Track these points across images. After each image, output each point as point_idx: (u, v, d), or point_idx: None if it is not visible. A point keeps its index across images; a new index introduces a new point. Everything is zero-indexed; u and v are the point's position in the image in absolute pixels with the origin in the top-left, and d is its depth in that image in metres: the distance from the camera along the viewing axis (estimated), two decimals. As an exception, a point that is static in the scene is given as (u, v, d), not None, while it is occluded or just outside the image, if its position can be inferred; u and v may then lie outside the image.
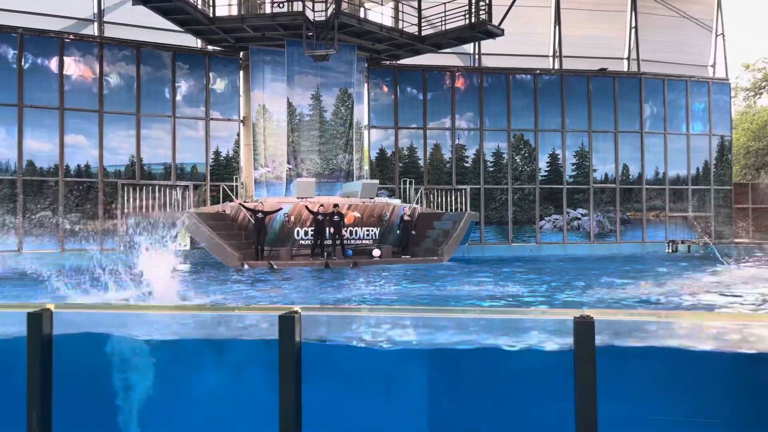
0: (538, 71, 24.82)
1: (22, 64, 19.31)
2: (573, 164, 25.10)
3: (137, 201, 20.49)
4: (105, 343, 3.42)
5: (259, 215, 17.10)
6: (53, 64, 19.77)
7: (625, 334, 2.94)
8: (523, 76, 24.75)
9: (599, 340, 2.51)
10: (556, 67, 25.20)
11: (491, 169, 24.50)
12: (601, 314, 2.60)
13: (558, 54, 25.21)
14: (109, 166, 20.44)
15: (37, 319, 3.01)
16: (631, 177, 25.61)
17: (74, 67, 20.07)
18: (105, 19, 20.76)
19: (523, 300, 9.29)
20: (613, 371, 2.86)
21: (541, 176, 24.82)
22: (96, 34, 20.59)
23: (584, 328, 2.59)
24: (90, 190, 20.21)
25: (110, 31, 20.77)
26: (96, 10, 20.64)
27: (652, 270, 14.92)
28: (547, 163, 24.92)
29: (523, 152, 24.74)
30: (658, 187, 25.90)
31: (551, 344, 2.89)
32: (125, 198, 20.41)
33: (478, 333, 3.13)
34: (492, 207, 24.38)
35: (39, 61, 19.61)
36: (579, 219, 25.07)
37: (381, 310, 2.99)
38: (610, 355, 2.84)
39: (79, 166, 20.07)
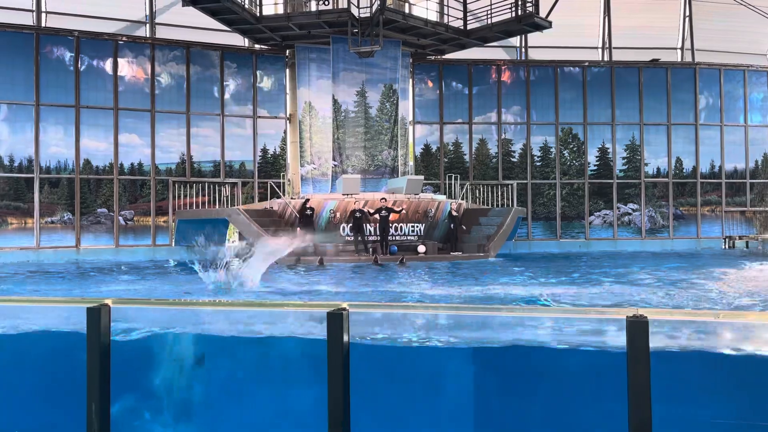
0: (586, 63, 24.27)
1: (79, 66, 20.00)
2: (623, 158, 24.48)
3: (188, 198, 20.99)
4: (159, 337, 3.51)
5: (308, 212, 17.30)
6: (108, 65, 20.41)
7: (681, 334, 2.85)
8: (572, 68, 24.25)
9: (657, 341, 2.44)
10: (606, 58, 24.59)
11: (538, 163, 24.12)
12: (656, 314, 2.52)
13: (608, 45, 24.59)
14: (161, 164, 21.00)
15: (96, 314, 3.12)
16: (684, 171, 24.82)
17: (127, 68, 20.68)
18: (156, 20, 21.30)
19: (582, 297, 9.10)
20: (668, 372, 2.78)
21: (591, 170, 24.29)
22: (148, 35, 21.15)
23: (638, 327, 2.52)
24: (143, 188, 20.81)
25: (161, 33, 21.30)
26: (148, 12, 21.20)
27: (710, 266, 14.42)
28: (597, 157, 24.37)
29: (571, 146, 24.27)
30: (713, 180, 25.02)
31: (604, 343, 2.83)
32: (176, 195, 20.93)
33: (524, 331, 3.09)
34: (539, 202, 24.01)
35: (94, 62, 20.27)
36: (630, 214, 24.44)
37: (429, 308, 2.98)
38: (664, 356, 2.76)
39: (132, 164, 20.69)
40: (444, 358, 3.28)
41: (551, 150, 24.14)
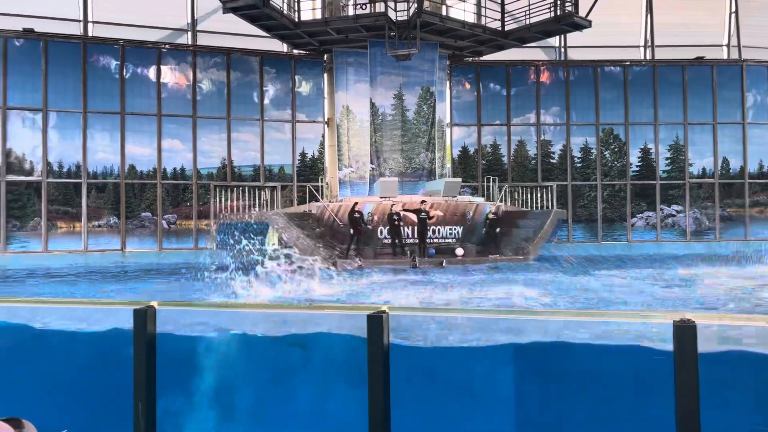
0: (628, 62, 23.80)
1: (124, 74, 20.56)
2: (667, 158, 23.91)
3: (228, 202, 21.35)
4: (202, 338, 3.58)
5: (356, 215, 17.38)
6: (151, 73, 20.92)
7: (730, 338, 2.77)
8: (612, 68, 23.81)
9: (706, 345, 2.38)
10: (648, 57, 24.07)
11: (579, 165, 23.74)
12: (705, 318, 2.46)
13: (650, 44, 24.07)
14: (203, 169, 21.41)
15: (142, 316, 3.20)
16: (731, 171, 24.09)
17: (170, 75, 21.16)
18: (198, 28, 21.74)
19: (623, 301, 8.92)
20: (717, 376, 2.70)
21: (633, 172, 23.79)
22: (190, 42, 21.61)
23: (685, 332, 2.46)
24: (185, 192, 21.24)
25: (202, 40, 21.74)
26: (190, 20, 21.66)
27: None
28: (639, 157, 23.86)
29: (612, 147, 23.82)
30: (762, 181, 24.21)
31: (650, 346, 2.77)
32: (217, 199, 21.30)
33: (564, 334, 3.04)
34: (580, 204, 23.63)
35: (139, 70, 20.81)
36: (674, 216, 23.85)
37: (468, 311, 2.97)
38: (712, 359, 2.68)
39: (175, 169, 21.15)
40: (484, 359, 3.26)
41: (592, 151, 23.73)
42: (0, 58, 19.27)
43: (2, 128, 19.32)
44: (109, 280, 14.27)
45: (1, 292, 11.95)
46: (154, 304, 3.20)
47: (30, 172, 19.65)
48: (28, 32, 19.48)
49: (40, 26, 19.66)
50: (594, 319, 2.75)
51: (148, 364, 3.19)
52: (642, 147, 23.84)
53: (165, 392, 3.42)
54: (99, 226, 20.23)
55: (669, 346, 2.49)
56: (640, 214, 23.75)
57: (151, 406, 3.24)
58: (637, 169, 23.83)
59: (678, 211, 23.82)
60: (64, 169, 19.99)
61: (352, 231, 17.36)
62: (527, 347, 2.99)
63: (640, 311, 7.28)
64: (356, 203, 17.83)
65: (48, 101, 19.70)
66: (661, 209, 23.76)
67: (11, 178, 19.40)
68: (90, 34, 20.53)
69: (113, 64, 20.49)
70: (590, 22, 20.45)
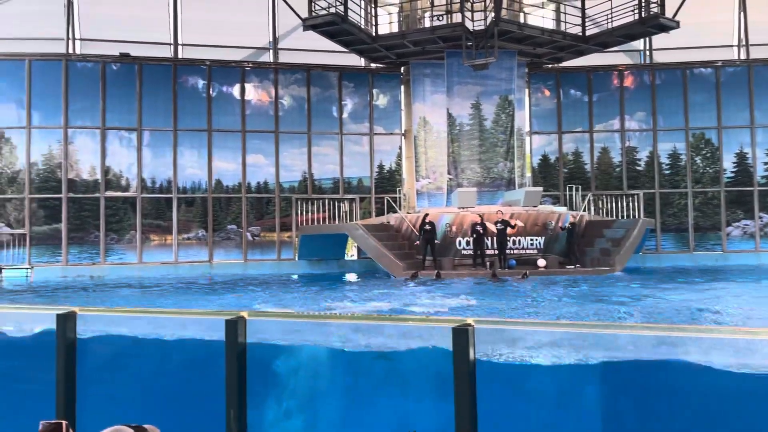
0: (719, 63, 22.59)
1: (210, 92, 21.52)
2: (765, 163, 22.45)
3: (309, 214, 21.84)
4: (289, 349, 3.66)
5: (427, 227, 17.35)
6: (236, 90, 21.79)
7: None
8: (702, 69, 22.67)
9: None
10: (742, 57, 22.75)
11: (667, 171, 22.70)
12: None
13: (744, 43, 22.75)
14: (285, 182, 22.02)
15: (233, 326, 3.31)
16: (839, 175, 22.32)
17: (253, 93, 21.97)
18: (279, 46, 22.47)
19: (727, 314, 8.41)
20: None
21: (727, 178, 22.50)
22: (271, 60, 22.36)
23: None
24: (268, 205, 21.92)
25: (283, 57, 22.44)
26: (271, 39, 22.42)
27: None
28: (734, 163, 22.54)
29: (704, 152, 22.62)
30: None
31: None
32: (299, 211, 21.84)
33: (662, 349, 2.90)
34: (669, 213, 22.54)
35: (224, 89, 21.73)
36: (774, 224, 22.33)
37: (557, 325, 2.89)
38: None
39: (258, 183, 21.87)
40: (572, 376, 3.15)
41: (681, 157, 22.64)
42: (99, 82, 20.64)
43: (102, 147, 20.65)
44: (217, 290, 14.88)
45: (103, 302, 12.71)
46: (245, 314, 3.31)
47: (126, 188, 20.86)
48: (124, 57, 20.77)
49: (134, 51, 20.92)
50: (696, 335, 2.61)
51: (239, 372, 3.29)
52: (737, 151, 22.51)
53: (254, 400, 3.52)
54: (188, 238, 21.19)
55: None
56: (736, 223, 22.40)
57: (242, 413, 3.34)
58: (732, 174, 22.51)
59: (779, 219, 22.30)
60: (157, 185, 21.10)
61: (422, 242, 17.27)
62: (621, 365, 2.86)
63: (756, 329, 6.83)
64: (426, 215, 17.72)
65: (142, 121, 20.90)
66: (760, 217, 22.31)
67: (110, 194, 20.67)
68: (179, 56, 21.64)
69: (200, 83, 21.50)
70: (678, 22, 19.60)
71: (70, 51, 20.82)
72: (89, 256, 20.34)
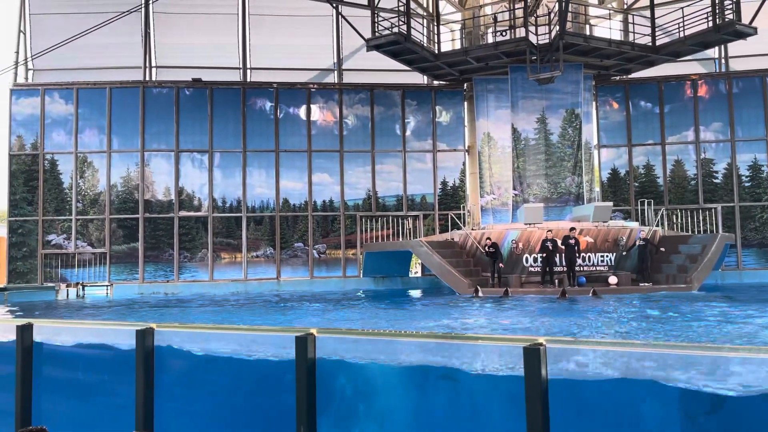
0: (802, 69, 21.40)
1: (278, 114, 22.11)
2: None
3: (373, 231, 21.98)
4: (358, 366, 3.67)
5: (491, 249, 17.17)
6: (302, 112, 22.31)
7: None
8: (783, 76, 21.53)
9: None
10: (827, 61, 21.48)
11: (747, 184, 21.60)
12: None
13: (829, 46, 21.48)
14: (349, 200, 22.28)
15: (303, 343, 3.36)
16: None
17: (318, 113, 22.43)
18: (343, 66, 22.89)
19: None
20: None
21: (814, 189, 21.18)
22: (336, 81, 22.79)
23: None
24: (333, 223, 22.21)
25: (347, 77, 22.83)
26: (336, 60, 22.87)
27: None
28: (821, 173, 21.22)
29: (787, 163, 21.40)
30: None
31: None
32: (363, 229, 22.02)
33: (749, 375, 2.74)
34: (751, 227, 21.40)
35: (290, 110, 22.29)
36: None
37: (632, 345, 2.79)
38: None
39: (324, 201, 22.22)
40: (644, 397, 3.03)
41: (762, 168, 21.51)
42: (173, 106, 21.59)
43: (176, 169, 21.53)
44: (279, 307, 15.17)
45: (177, 318, 13.16)
46: (314, 331, 3.35)
47: (198, 208, 21.63)
48: (196, 81, 21.66)
49: (206, 76, 21.80)
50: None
51: (308, 388, 3.33)
52: (824, 161, 21.19)
53: (323, 416, 3.55)
54: (257, 256, 21.71)
55: None
56: (825, 237, 21.02)
57: (312, 429, 3.37)
58: (820, 186, 21.18)
59: None
60: (227, 204, 21.77)
61: (489, 261, 17.14)
62: (703, 388, 2.73)
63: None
64: (488, 238, 17.48)
65: (213, 143, 21.68)
66: None
67: (183, 213, 21.48)
68: (248, 79, 22.38)
69: (268, 105, 22.13)
70: (755, 29, 18.72)
71: (147, 78, 21.90)
72: (164, 274, 21.15)
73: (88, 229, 21.19)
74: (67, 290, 19.97)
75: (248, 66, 22.50)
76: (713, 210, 21.31)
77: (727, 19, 18.75)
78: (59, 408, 4.38)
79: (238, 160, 21.81)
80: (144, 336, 3.83)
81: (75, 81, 21.49)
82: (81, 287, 20.25)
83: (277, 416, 3.75)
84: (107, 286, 20.58)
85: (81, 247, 21.00)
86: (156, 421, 3.92)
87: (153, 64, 22.10)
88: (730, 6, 18.85)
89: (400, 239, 21.45)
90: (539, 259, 17.45)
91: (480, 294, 15.89)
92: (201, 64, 21.89)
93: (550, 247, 16.88)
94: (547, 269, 17.06)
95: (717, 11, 18.86)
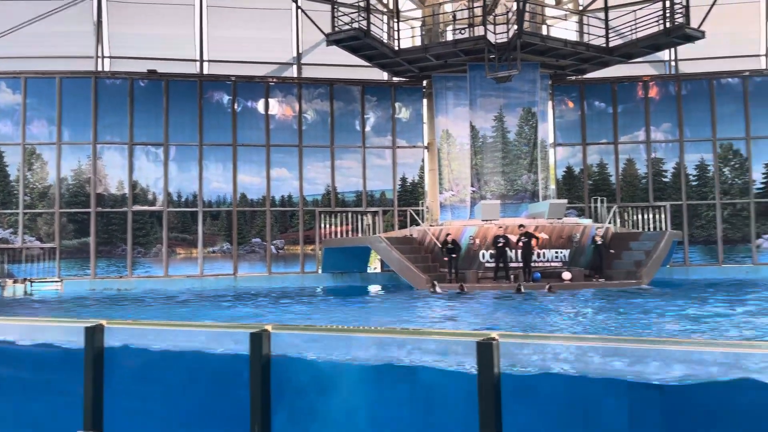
0: (747, 73, 22.25)
1: (235, 107, 21.80)
2: (797, 174, 21.98)
3: (332, 227, 21.92)
4: (313, 363, 3.66)
5: (449, 246, 17.33)
6: (260, 105, 22.05)
7: None
8: (729, 79, 22.34)
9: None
10: (771, 66, 22.37)
11: (694, 183, 22.34)
12: None
13: (772, 51, 22.38)
14: (308, 196, 22.16)
15: (258, 339, 3.33)
16: None
17: (277, 108, 22.20)
18: (302, 61, 22.71)
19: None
20: None
21: (757, 189, 22.06)
22: (295, 75, 22.60)
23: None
24: (292, 218, 22.05)
25: (307, 72, 22.66)
26: (295, 54, 22.67)
27: None
28: (763, 174, 22.10)
29: (732, 163, 22.24)
30: None
31: None
32: (322, 224, 21.93)
33: (695, 367, 2.84)
34: (697, 225, 22.16)
35: (248, 104, 22.00)
36: (807, 236, 21.81)
37: (584, 339, 2.86)
38: None
39: (282, 196, 22.04)
40: (593, 390, 3.10)
41: (708, 168, 22.28)
42: (127, 98, 21.05)
43: (129, 162, 21.01)
44: (235, 303, 14.98)
45: (130, 314, 12.87)
46: (269, 327, 3.33)
47: (153, 203, 21.17)
48: (151, 73, 21.17)
49: (161, 67, 21.32)
50: (734, 350, 2.54)
51: (263, 386, 3.31)
52: (767, 162, 22.08)
53: (277, 414, 3.52)
54: (213, 252, 21.39)
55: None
56: (767, 235, 21.92)
57: (266, 428, 3.34)
58: (762, 185, 22.08)
59: (811, 231, 21.77)
60: (183, 199, 21.38)
61: (447, 258, 17.29)
62: (645, 380, 2.81)
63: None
64: (448, 234, 17.64)
65: (169, 136, 21.23)
66: (792, 229, 21.80)
67: (137, 208, 20.99)
68: (205, 72, 21.98)
69: (225, 99, 21.80)
70: (704, 33, 19.38)
71: (99, 68, 21.29)
72: (116, 270, 20.65)
73: (36, 224, 20.52)
74: (14, 286, 19.28)
75: (205, 58, 22.10)
76: (662, 208, 21.98)
77: (677, 23, 19.34)
78: (3, 407, 4.24)
79: (195, 153, 21.42)
80: (93, 333, 3.74)
81: (23, 70, 20.72)
82: (29, 283, 19.58)
83: (233, 414, 3.71)
84: (57, 281, 19.96)
85: (29, 242, 20.31)
86: (106, 421, 3.83)
87: (106, 54, 21.49)
88: (681, 10, 19.44)
89: (360, 235, 21.46)
90: (487, 255, 17.73)
91: (438, 290, 16.03)
92: (156, 55, 21.38)
93: (501, 244, 17.18)
94: (501, 265, 17.34)
95: (668, 15, 19.44)
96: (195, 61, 22.00)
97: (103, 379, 3.76)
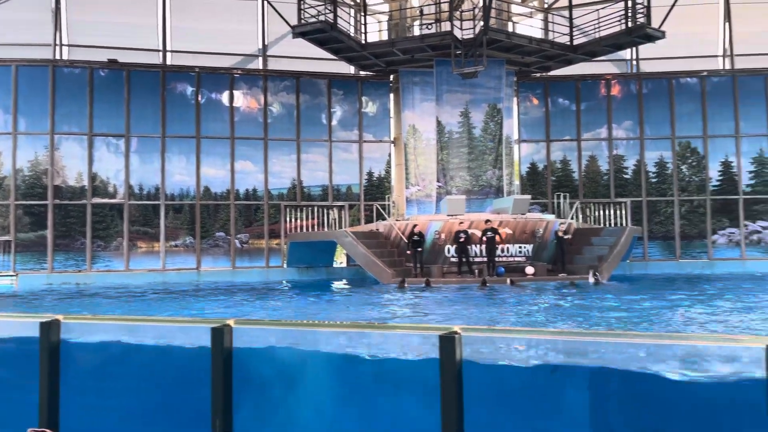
0: (705, 73, 22.86)
1: (199, 99, 21.45)
2: (750, 172, 22.70)
3: (298, 221, 21.78)
4: (277, 357, 3.64)
5: (416, 238, 17.41)
6: (224, 97, 21.75)
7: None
8: (688, 79, 22.93)
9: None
10: (727, 67, 23.04)
11: (654, 180, 22.89)
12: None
13: (729, 53, 23.05)
14: (274, 189, 21.97)
15: (219, 334, 3.29)
16: (823, 184, 22.61)
17: (242, 100, 21.93)
18: (268, 53, 22.46)
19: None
20: None
21: (713, 186, 22.72)
22: (261, 67, 22.35)
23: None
24: (257, 212, 21.84)
25: (273, 64, 22.43)
26: (261, 46, 22.41)
27: None
28: (719, 171, 22.77)
29: (690, 161, 22.85)
30: None
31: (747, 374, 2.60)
32: (287, 218, 21.78)
33: (646, 358, 2.91)
34: (656, 221, 22.72)
35: (213, 95, 21.68)
36: (760, 232, 22.56)
37: (548, 332, 2.91)
38: None
39: (247, 190, 21.80)
40: (553, 378, 3.16)
41: (668, 165, 22.85)
42: (86, 88, 20.52)
43: (89, 154, 20.50)
44: (197, 298, 14.78)
45: (88, 309, 12.59)
46: (231, 322, 3.29)
47: (113, 195, 20.72)
48: (112, 63, 20.68)
49: (123, 57, 20.83)
50: (678, 342, 2.62)
51: (224, 380, 3.27)
52: (722, 160, 22.76)
53: (240, 408, 3.50)
54: (176, 245, 21.05)
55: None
56: (722, 231, 22.61)
57: (228, 421, 3.32)
58: (718, 183, 22.74)
59: (764, 228, 22.53)
60: (144, 192, 20.97)
61: (412, 251, 17.41)
62: (609, 372, 2.87)
63: (734, 335, 6.90)
64: (415, 225, 17.76)
65: (130, 127, 20.78)
66: (746, 225, 22.54)
67: (96, 200, 20.51)
68: (168, 63, 21.56)
69: (189, 90, 21.43)
70: (664, 33, 19.83)
71: (57, 57, 20.70)
72: (75, 264, 20.16)
73: (-10, 216, 19.88)
74: (-33, 281, 18.68)
75: (168, 48, 21.68)
76: (623, 204, 22.46)
77: (638, 23, 19.74)
78: (-46, 406, 4.11)
79: (157, 145, 21.02)
80: (49, 328, 3.64)
81: (-24, 57, 20.03)
82: (-18, 277, 18.99)
83: (195, 409, 3.66)
84: (12, 276, 19.38)
85: (-17, 235, 19.68)
86: (62, 418, 3.75)
87: (64, 42, 20.90)
88: (642, 10, 19.85)
89: (325, 229, 21.39)
90: (452, 250, 17.89)
91: (406, 285, 16.08)
92: (117, 44, 20.89)
93: (462, 239, 17.35)
94: (463, 260, 17.51)
95: (630, 15, 19.84)
96: (158, 51, 21.56)
97: (59, 376, 3.67)
